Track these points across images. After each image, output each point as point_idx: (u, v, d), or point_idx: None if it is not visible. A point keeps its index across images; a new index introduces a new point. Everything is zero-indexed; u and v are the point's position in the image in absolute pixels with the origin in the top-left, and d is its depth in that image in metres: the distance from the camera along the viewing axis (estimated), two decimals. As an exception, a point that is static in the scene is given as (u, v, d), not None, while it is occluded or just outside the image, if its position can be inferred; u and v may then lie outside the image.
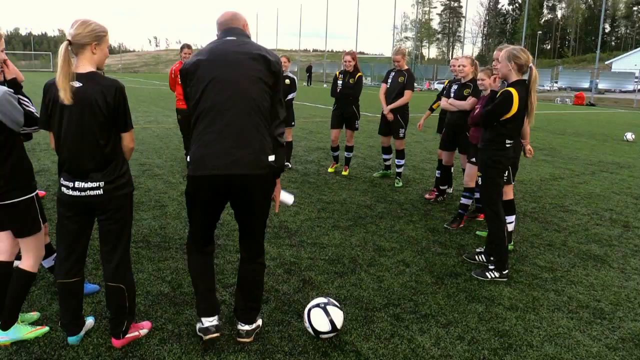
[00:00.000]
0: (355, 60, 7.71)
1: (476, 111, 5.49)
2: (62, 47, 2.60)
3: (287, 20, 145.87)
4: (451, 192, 7.00)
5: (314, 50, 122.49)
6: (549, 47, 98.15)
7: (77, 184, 2.73)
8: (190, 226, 3.04)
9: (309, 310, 3.17)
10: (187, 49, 7.71)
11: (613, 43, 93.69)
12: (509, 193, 4.80)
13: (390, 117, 7.18)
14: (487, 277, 4.19)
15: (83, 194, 2.74)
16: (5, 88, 2.80)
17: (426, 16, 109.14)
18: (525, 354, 3.14)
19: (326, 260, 4.47)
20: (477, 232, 5.40)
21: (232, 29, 2.95)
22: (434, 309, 3.67)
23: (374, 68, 56.62)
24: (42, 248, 3.11)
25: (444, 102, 6.24)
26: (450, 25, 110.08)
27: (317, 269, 4.28)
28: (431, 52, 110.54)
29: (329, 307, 3.14)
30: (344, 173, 8.03)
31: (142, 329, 3.13)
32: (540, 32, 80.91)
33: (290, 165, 8.31)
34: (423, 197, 6.83)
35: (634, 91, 35.74)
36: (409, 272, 4.30)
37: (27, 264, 2.99)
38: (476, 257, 4.61)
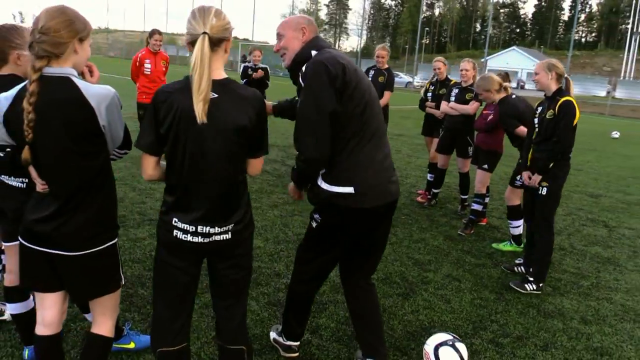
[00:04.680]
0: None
1: (489, 118, 5.50)
2: (202, 44, 1.91)
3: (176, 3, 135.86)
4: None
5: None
6: (427, 42, 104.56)
7: (202, 229, 2.06)
8: (314, 260, 2.74)
9: (436, 348, 2.88)
10: (157, 35, 6.75)
11: (482, 42, 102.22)
12: (516, 199, 5.04)
13: None
14: (526, 290, 4.15)
15: (207, 240, 2.07)
16: (113, 90, 2.04)
17: (314, 6, 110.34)
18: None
19: (377, 280, 4.16)
20: (493, 245, 5.26)
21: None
22: (520, 329, 3.56)
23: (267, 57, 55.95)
24: (118, 306, 2.45)
25: (444, 106, 6.17)
26: (337, 17, 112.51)
27: (375, 291, 3.96)
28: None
29: (457, 344, 2.89)
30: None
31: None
32: (427, 28, 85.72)
33: None
34: (414, 200, 6.74)
35: (516, 88, 39.51)
36: (465, 289, 4.15)
37: (104, 328, 2.27)
38: (515, 268, 4.60)
